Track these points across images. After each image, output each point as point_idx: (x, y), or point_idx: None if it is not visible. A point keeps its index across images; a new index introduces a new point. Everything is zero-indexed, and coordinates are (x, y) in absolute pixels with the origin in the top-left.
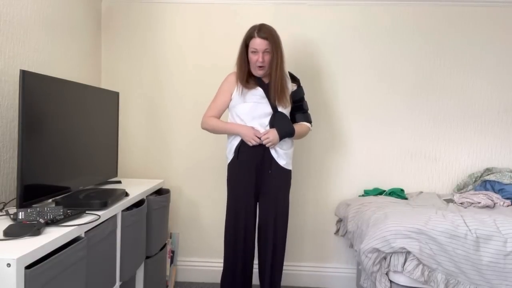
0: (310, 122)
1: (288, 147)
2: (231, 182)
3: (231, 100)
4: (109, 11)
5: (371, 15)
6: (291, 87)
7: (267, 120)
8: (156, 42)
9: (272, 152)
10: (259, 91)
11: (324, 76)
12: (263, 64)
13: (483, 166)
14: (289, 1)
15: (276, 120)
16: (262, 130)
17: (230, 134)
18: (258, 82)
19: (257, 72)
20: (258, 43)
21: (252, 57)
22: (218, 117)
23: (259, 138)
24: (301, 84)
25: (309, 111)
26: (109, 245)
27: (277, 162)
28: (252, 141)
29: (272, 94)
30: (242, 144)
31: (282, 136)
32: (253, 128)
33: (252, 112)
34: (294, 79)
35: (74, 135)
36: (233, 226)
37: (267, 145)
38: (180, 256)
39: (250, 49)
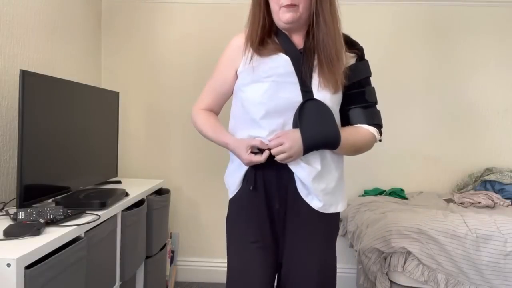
0: (379, 126)
1: (330, 172)
2: (230, 232)
3: (236, 77)
4: (109, 11)
5: (371, 15)
6: (348, 58)
7: (292, 114)
8: (156, 42)
9: (298, 184)
10: (282, 59)
11: None
12: (293, 1)
13: (483, 166)
14: None
15: (305, 115)
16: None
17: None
18: (284, 44)
19: (284, 17)
20: None
21: None
22: (216, 107)
23: (267, 149)
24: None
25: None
26: (109, 245)
27: (306, 203)
28: (247, 161)
29: (318, 60)
30: (252, 171)
31: (310, 146)
32: (247, 141)
33: (268, 99)
34: (353, 45)
35: (74, 135)
36: None
37: (280, 160)
38: (180, 256)
39: None
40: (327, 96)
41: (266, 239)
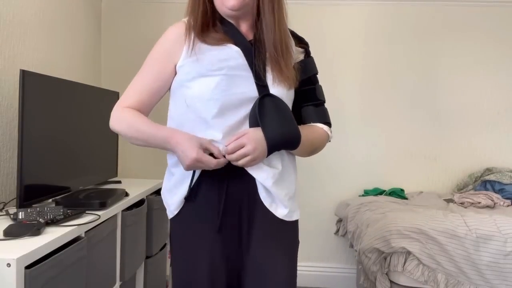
0: (329, 124)
1: (289, 174)
2: (176, 255)
3: (175, 73)
4: (109, 11)
5: (370, 15)
6: (297, 53)
7: (247, 111)
8: (156, 42)
9: (261, 191)
10: (233, 51)
11: (324, 75)
12: None
13: (483, 166)
14: (288, 1)
15: (265, 112)
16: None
17: (160, 146)
18: (231, 34)
19: (229, 3)
20: None
21: None
22: (146, 107)
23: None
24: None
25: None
26: (109, 245)
27: (270, 213)
28: (194, 160)
29: (269, 54)
30: (202, 179)
31: (274, 146)
32: (201, 139)
33: (221, 95)
34: (300, 40)
35: (74, 135)
36: None
37: (241, 165)
38: None
39: None
40: (284, 92)
41: (221, 261)
